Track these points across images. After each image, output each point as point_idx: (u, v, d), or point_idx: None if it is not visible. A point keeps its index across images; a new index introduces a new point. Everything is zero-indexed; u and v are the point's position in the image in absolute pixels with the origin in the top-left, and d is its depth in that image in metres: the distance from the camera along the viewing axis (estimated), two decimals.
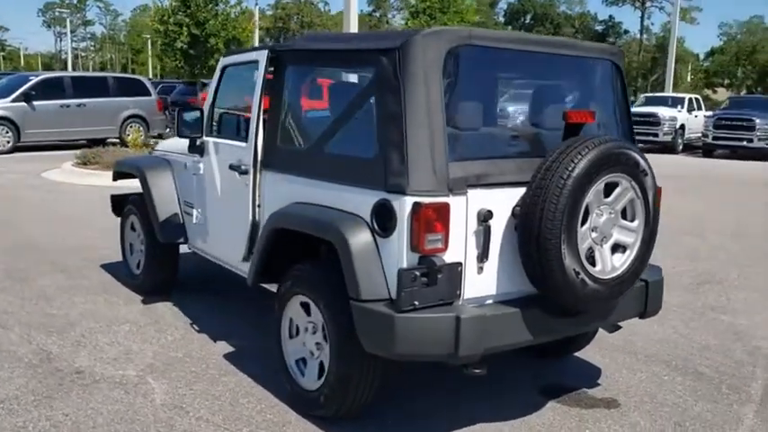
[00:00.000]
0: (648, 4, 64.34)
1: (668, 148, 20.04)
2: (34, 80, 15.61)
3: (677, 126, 20.57)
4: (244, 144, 3.84)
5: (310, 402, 3.30)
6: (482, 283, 2.96)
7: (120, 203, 5.53)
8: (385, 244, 2.86)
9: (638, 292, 3.40)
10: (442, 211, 2.77)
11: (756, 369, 4.17)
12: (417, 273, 2.76)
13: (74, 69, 60.52)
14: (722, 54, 66.18)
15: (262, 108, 3.67)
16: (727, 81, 66.51)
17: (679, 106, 21.41)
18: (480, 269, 2.93)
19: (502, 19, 76.69)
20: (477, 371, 2.92)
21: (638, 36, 66.88)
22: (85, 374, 3.77)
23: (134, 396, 3.53)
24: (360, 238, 2.89)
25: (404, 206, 2.77)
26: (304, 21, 71.24)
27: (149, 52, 68.70)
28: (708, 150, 19.95)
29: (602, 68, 3.59)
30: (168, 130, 16.77)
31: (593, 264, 3.01)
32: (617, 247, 3.11)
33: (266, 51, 3.70)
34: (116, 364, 3.93)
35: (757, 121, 18.89)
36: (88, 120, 15.68)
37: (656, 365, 4.17)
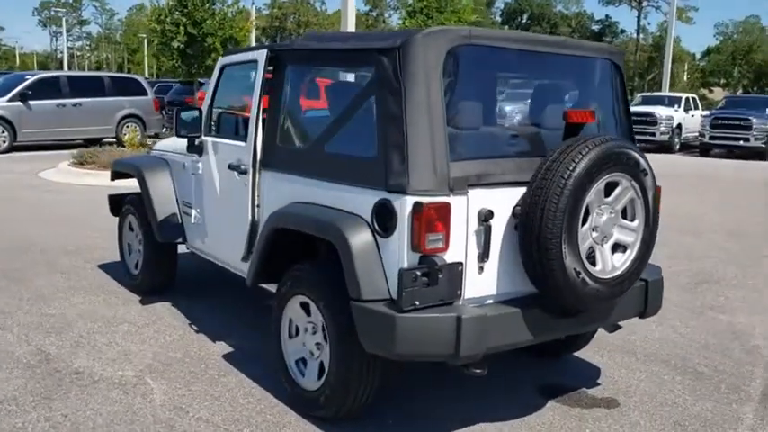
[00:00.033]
0: (645, 3, 64.38)
1: (665, 148, 20.08)
2: (30, 80, 15.56)
3: (674, 125, 20.62)
4: (243, 144, 3.83)
5: (310, 403, 3.30)
6: (483, 282, 2.95)
7: (117, 203, 5.52)
8: (385, 244, 2.86)
9: (638, 291, 3.40)
10: (443, 211, 2.77)
11: (755, 368, 4.18)
12: (418, 273, 2.75)
13: (69, 69, 60.44)
14: (718, 54, 66.28)
15: (261, 108, 3.66)
16: (723, 81, 66.61)
17: (676, 106, 21.47)
18: (481, 269, 2.93)
19: (499, 18, 76.76)
20: (477, 371, 2.91)
21: (635, 36, 66.96)
22: (84, 375, 3.76)
23: (133, 397, 3.52)
24: (360, 238, 2.89)
25: (405, 206, 2.77)
26: (300, 20, 71.15)
27: (145, 52, 68.59)
28: (704, 150, 20.02)
29: (601, 68, 3.59)
30: (165, 129, 16.74)
31: (593, 263, 3.01)
32: (617, 247, 3.11)
33: (266, 51, 3.69)
34: (115, 364, 3.92)
35: (754, 120, 18.96)
36: (84, 119, 15.65)
37: (656, 365, 4.17)
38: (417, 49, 2.83)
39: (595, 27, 73.45)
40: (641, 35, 66.63)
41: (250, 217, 3.74)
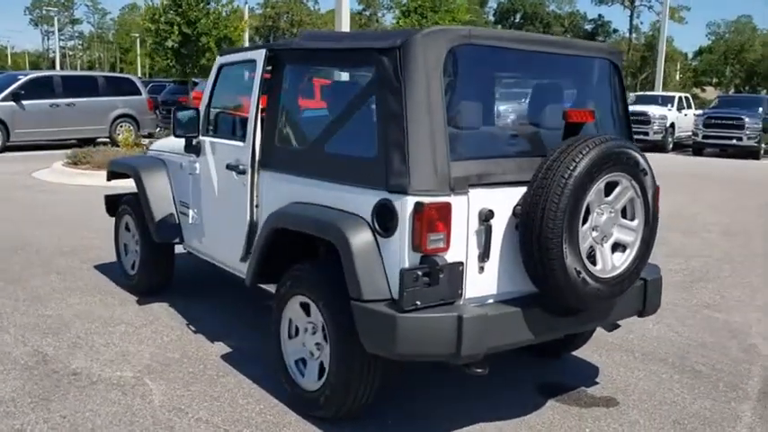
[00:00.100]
0: (637, 3, 64.64)
1: (658, 147, 20.13)
2: (23, 79, 15.49)
3: (667, 125, 20.70)
4: (241, 144, 3.82)
5: (310, 403, 3.29)
6: (483, 282, 2.95)
7: (114, 203, 5.49)
8: (386, 244, 2.85)
9: (637, 290, 3.41)
10: (444, 211, 2.77)
11: (752, 367, 4.20)
12: (419, 272, 2.75)
13: (62, 68, 60.19)
14: (710, 53, 66.62)
15: (259, 107, 3.65)
16: (715, 80, 66.95)
17: (669, 105, 21.56)
18: (481, 269, 2.93)
19: (492, 18, 76.84)
20: (478, 371, 2.91)
21: (627, 35, 67.19)
22: (82, 376, 3.74)
23: (132, 397, 3.50)
24: (361, 238, 2.88)
25: (405, 206, 2.76)
26: (294, 19, 71.04)
27: (138, 51, 68.33)
28: (698, 149, 20.10)
29: (600, 68, 3.60)
30: (159, 129, 16.67)
31: (593, 263, 3.01)
32: (617, 246, 3.12)
33: (264, 50, 3.68)
34: (113, 365, 3.90)
35: (746, 119, 19.06)
36: (78, 119, 15.58)
37: (654, 364, 4.19)
38: (418, 49, 2.82)
39: (588, 26, 73.69)
40: (634, 35, 66.87)
41: (249, 217, 3.73)
